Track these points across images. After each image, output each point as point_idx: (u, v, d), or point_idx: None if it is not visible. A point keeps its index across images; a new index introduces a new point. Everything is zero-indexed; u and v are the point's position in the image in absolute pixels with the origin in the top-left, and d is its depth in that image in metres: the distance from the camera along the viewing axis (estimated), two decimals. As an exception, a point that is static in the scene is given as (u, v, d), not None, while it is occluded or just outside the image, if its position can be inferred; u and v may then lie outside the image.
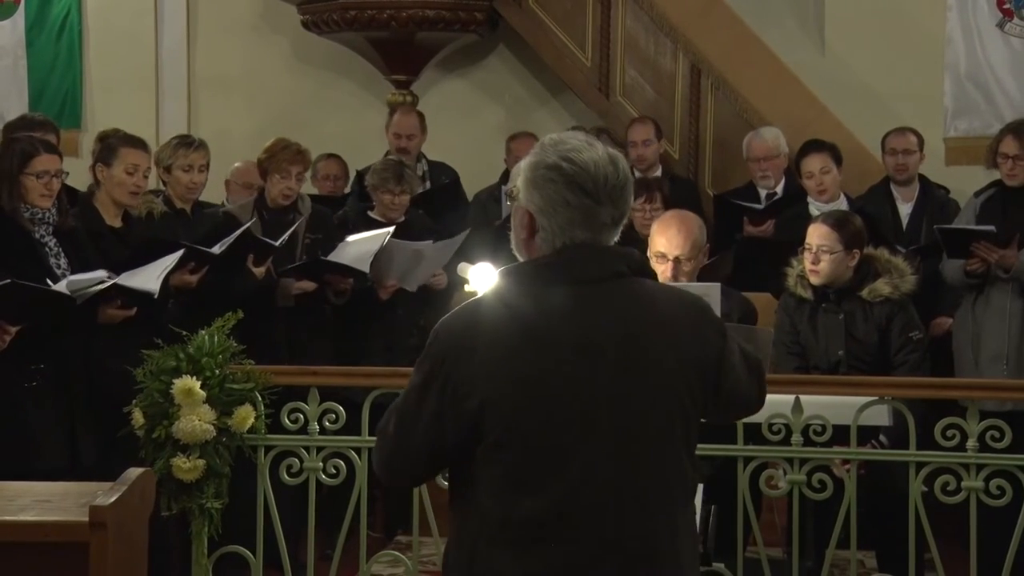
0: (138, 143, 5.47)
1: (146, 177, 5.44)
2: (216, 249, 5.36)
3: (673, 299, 2.69)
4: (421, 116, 7.46)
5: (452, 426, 2.58)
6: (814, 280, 5.40)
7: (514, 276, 2.64)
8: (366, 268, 5.87)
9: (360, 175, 6.92)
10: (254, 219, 5.82)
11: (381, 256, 5.95)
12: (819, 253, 5.35)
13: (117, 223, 5.32)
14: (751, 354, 2.83)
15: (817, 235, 5.37)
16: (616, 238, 2.67)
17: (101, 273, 4.79)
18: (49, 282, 4.65)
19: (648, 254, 5.33)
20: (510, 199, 2.76)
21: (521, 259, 2.69)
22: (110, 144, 5.43)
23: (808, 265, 5.39)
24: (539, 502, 2.54)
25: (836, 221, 5.41)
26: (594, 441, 2.56)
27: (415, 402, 2.63)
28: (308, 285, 5.85)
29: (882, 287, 5.35)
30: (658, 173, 7.21)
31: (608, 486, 2.55)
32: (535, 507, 2.54)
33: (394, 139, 7.33)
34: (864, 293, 5.37)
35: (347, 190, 7.50)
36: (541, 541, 2.54)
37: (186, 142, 5.97)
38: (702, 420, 2.72)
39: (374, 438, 4.42)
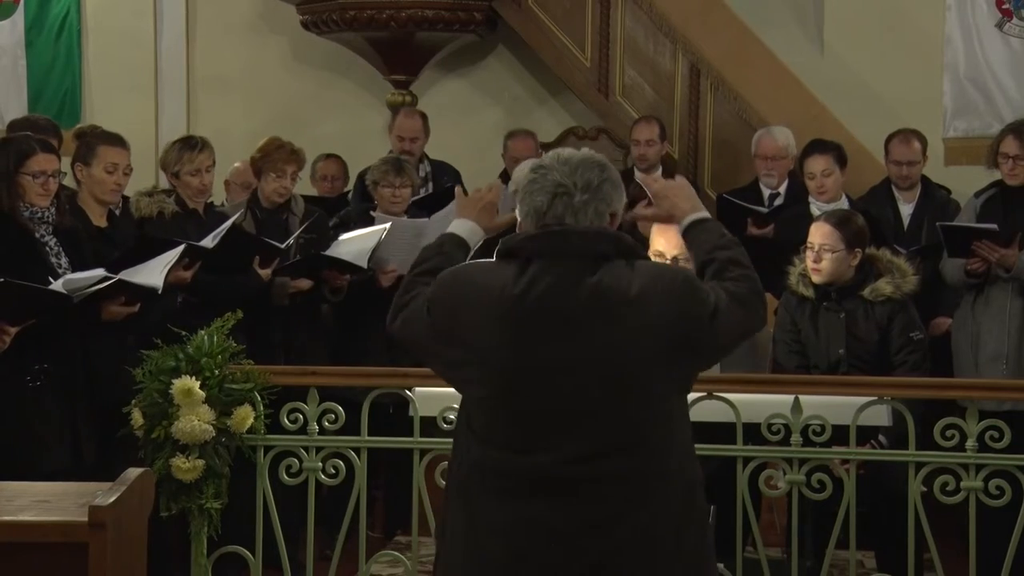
0: (116, 140, 5.33)
1: (127, 175, 5.31)
2: (208, 241, 5.30)
3: (654, 276, 2.86)
4: (424, 118, 7.42)
5: (439, 351, 2.93)
6: (816, 279, 5.39)
7: (504, 248, 2.90)
8: (364, 264, 5.85)
9: (361, 178, 6.90)
10: (242, 214, 5.79)
11: (382, 242, 5.93)
12: (821, 252, 5.34)
13: (103, 223, 5.25)
14: (741, 293, 2.94)
15: (819, 234, 5.37)
16: (594, 210, 2.90)
17: (100, 272, 4.75)
18: (51, 280, 4.62)
19: (648, 254, 5.33)
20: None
21: None
22: (88, 142, 5.31)
23: (810, 264, 5.39)
24: (505, 456, 2.81)
25: (838, 220, 5.41)
26: (565, 413, 2.77)
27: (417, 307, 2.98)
28: (304, 284, 5.82)
29: (884, 287, 5.34)
30: (658, 173, 7.20)
31: (574, 461, 2.76)
32: (505, 460, 2.81)
33: (397, 141, 7.30)
34: (866, 292, 5.36)
35: (346, 190, 7.49)
36: (513, 497, 2.78)
37: (189, 144, 5.75)
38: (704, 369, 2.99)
39: (374, 438, 4.54)
